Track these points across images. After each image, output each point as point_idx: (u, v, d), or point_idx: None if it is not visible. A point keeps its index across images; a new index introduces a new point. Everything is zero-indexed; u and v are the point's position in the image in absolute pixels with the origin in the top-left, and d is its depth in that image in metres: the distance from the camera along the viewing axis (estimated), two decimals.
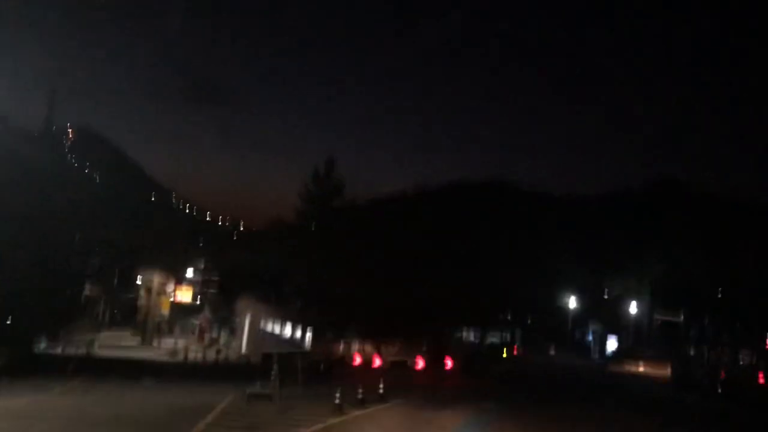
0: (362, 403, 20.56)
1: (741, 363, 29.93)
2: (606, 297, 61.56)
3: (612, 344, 57.56)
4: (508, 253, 56.84)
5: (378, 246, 40.73)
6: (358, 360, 38.20)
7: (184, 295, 65.17)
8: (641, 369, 47.74)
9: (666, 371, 43.35)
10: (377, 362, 37.16)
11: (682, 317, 52.67)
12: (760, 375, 27.30)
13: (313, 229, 46.71)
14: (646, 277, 55.19)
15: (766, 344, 28.17)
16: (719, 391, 30.27)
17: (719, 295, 49.71)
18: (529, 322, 61.82)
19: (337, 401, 19.23)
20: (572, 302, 63.68)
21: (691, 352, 42.52)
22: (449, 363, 38.57)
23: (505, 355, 50.89)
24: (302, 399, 21.35)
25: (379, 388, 22.61)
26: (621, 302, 56.90)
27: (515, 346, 51.43)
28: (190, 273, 73.53)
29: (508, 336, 51.59)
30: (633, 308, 55.36)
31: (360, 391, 20.97)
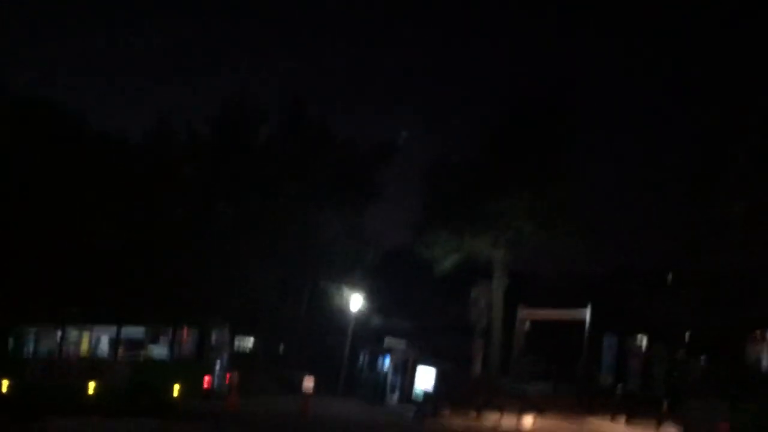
0: None
1: None
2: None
3: (426, 378, 28.13)
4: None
5: None
6: None
7: None
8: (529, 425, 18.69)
9: None
10: None
11: (588, 311, 24.86)
12: None
13: None
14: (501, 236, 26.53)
15: None
16: None
17: None
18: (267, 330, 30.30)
19: None
20: (356, 301, 33.51)
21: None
22: None
23: (177, 393, 18.48)
24: None
25: None
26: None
27: (208, 373, 19.02)
28: None
29: (200, 346, 19.20)
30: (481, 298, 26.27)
31: None
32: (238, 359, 28.79)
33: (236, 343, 37.19)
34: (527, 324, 27.72)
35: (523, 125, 26.76)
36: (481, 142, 27.10)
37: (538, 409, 19.71)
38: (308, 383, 21.71)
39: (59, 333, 19.09)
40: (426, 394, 27.36)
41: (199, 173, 28.94)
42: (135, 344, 19.49)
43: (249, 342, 39.63)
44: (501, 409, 19.82)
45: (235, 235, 27.15)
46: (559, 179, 26.38)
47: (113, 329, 19.09)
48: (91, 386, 18.48)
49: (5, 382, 18.55)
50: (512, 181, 25.57)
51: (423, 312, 34.91)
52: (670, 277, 26.91)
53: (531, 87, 28.38)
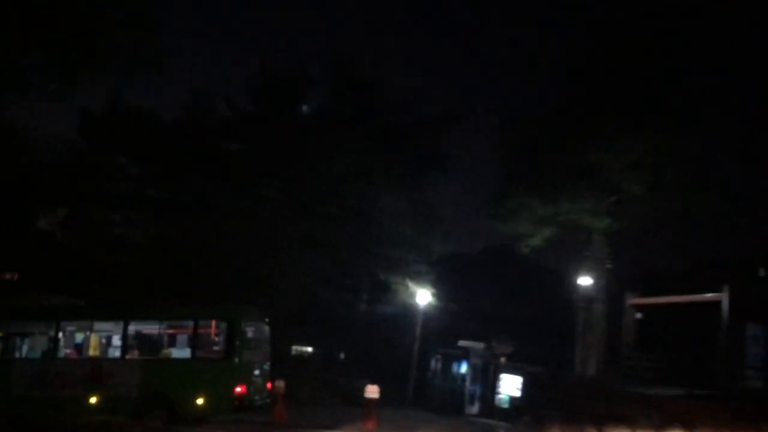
0: None
1: None
2: None
3: (512, 385, 23.17)
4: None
5: None
6: None
7: None
8: None
9: None
10: None
11: (725, 295, 19.25)
12: None
13: None
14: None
15: None
16: None
17: None
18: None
19: None
20: (424, 297, 28.59)
21: None
22: None
23: (202, 404, 14.04)
24: None
25: None
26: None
27: (241, 380, 14.79)
28: None
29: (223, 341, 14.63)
30: (584, 282, 20.96)
31: None
32: (289, 365, 24.63)
33: (293, 349, 33.15)
34: (638, 313, 22.32)
35: (622, 53, 20.64)
36: (571, 78, 21.28)
37: (684, 422, 14.42)
38: (372, 392, 17.07)
39: (54, 331, 15.09)
40: (515, 404, 22.46)
41: (239, 148, 24.91)
42: (148, 343, 15.31)
43: (308, 349, 35.44)
44: (630, 422, 14.62)
45: (279, 218, 22.85)
46: (674, 119, 20.03)
47: (121, 325, 14.97)
48: (93, 397, 14.37)
49: None
50: (613, 126, 19.63)
51: (502, 308, 29.93)
52: None
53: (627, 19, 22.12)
